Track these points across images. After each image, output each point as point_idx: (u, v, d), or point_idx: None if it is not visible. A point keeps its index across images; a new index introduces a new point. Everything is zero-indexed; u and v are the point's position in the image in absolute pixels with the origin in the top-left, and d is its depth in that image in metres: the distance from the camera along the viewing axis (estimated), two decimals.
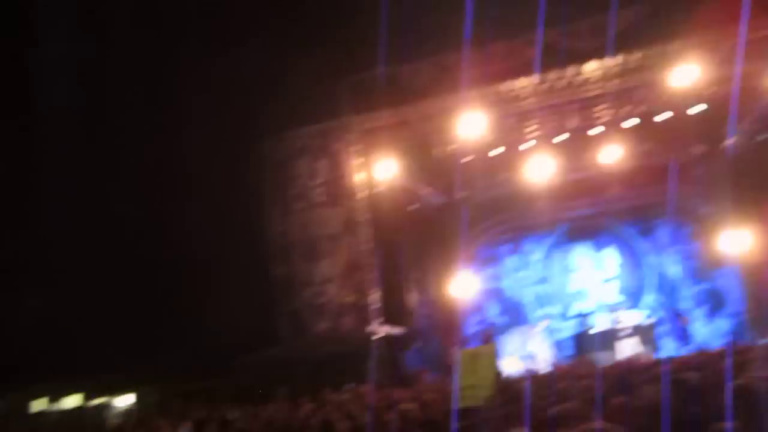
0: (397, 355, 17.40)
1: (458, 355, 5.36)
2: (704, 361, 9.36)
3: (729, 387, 4.44)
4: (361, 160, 16.69)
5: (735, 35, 14.00)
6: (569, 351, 17.93)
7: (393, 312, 17.36)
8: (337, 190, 16.57)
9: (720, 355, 9.55)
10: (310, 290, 16.14)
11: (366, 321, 15.97)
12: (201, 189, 17.42)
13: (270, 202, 16.94)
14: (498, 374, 5.07)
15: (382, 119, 16.33)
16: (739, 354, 8.00)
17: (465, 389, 5.11)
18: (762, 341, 13.09)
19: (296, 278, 16.28)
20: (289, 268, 16.40)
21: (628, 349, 16.22)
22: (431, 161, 17.81)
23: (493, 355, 5.12)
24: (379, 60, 15.95)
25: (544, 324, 18.73)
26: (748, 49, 14.53)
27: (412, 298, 19.62)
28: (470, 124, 15.76)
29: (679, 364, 9.42)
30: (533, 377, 9.68)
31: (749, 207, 17.62)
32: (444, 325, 19.55)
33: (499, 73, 15.35)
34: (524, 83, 15.43)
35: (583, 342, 17.64)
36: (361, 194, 16.59)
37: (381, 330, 16.39)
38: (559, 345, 18.32)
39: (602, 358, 15.76)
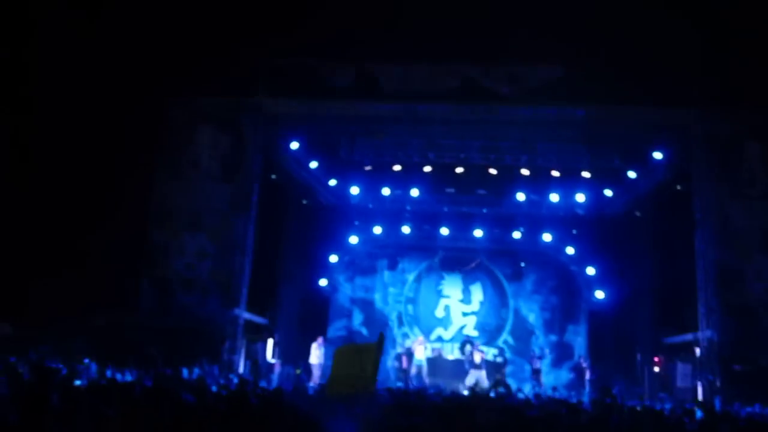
0: (254, 344, 17.22)
1: (338, 349, 5.59)
2: (542, 404, 10.05)
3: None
4: (263, 143, 16.48)
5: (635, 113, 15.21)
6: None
7: (259, 300, 17.19)
8: (233, 168, 16.20)
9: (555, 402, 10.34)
10: (182, 261, 15.61)
11: (231, 303, 15.68)
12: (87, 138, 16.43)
13: (159, 165, 16.28)
14: (377, 369, 5.30)
15: (294, 108, 16.23)
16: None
17: (342, 378, 5.30)
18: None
19: (171, 247, 15.68)
20: (166, 234, 15.79)
21: (475, 380, 16.97)
22: (333, 162, 17.88)
23: (380, 351, 5.34)
24: (300, 48, 16.02)
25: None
26: None
27: (281, 291, 19.53)
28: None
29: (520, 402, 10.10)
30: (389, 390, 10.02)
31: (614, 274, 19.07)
32: (306, 323, 19.59)
33: (417, 94, 15.71)
34: (438, 110, 15.87)
35: (436, 367, 18.21)
36: (255, 177, 16.34)
37: (244, 316, 16.16)
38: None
39: (451, 385, 16.42)
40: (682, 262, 15.99)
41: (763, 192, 15.19)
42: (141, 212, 16.07)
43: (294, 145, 16.78)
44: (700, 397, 14.64)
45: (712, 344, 14.84)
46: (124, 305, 15.16)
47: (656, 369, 17.25)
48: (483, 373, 17.34)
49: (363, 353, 5.38)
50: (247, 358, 16.44)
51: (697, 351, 15.36)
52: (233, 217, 15.94)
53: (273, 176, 17.09)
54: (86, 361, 12.32)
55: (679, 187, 16.17)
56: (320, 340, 17.99)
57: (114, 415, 4.82)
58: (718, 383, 14.45)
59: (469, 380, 16.89)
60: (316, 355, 17.68)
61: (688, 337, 15.88)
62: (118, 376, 11.11)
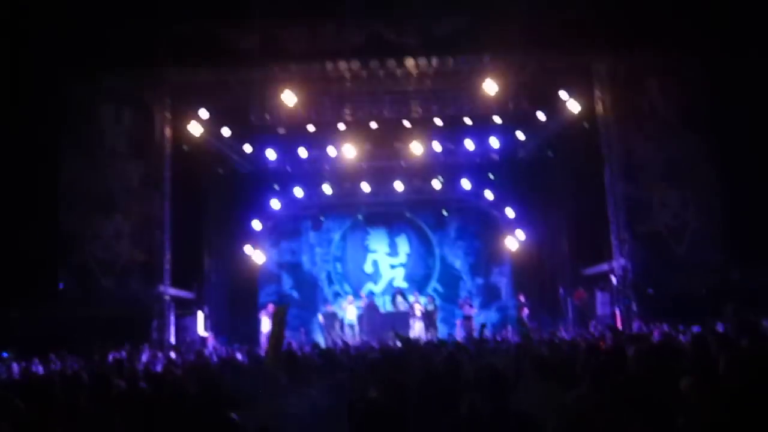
0: (183, 320, 17.01)
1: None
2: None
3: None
4: (171, 115, 15.97)
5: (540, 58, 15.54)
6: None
7: (184, 275, 16.93)
8: (141, 143, 15.68)
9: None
10: (99, 244, 15.13)
11: (155, 281, 15.39)
12: None
13: (66, 146, 15.57)
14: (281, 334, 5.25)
15: (199, 77, 15.74)
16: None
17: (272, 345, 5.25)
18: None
19: (85, 231, 15.14)
20: (78, 219, 15.22)
21: (417, 330, 17.44)
22: (245, 127, 17.54)
23: (279, 319, 5.25)
24: (201, 15, 15.43)
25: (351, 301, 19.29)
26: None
27: (206, 263, 19.26)
28: (289, 97, 15.76)
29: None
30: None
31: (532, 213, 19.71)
32: (236, 292, 19.46)
33: (323, 53, 15.49)
34: (346, 67, 15.70)
35: (372, 321, 18.44)
36: (165, 150, 15.88)
37: (169, 292, 15.91)
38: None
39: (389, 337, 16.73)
40: (594, 197, 16.65)
41: (663, 124, 15.93)
42: (52, 197, 15.42)
43: (203, 114, 16.33)
44: (618, 323, 15.49)
45: (626, 272, 15.66)
46: (43, 296, 14.64)
47: (577, 300, 18.07)
48: (422, 324, 17.84)
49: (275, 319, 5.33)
50: (177, 334, 16.26)
51: (613, 279, 16.17)
52: (147, 193, 15.52)
53: (184, 147, 16.63)
54: (4, 355, 11.90)
55: (586, 125, 16.70)
56: (270, 307, 17.95)
57: (30, 410, 4.66)
58: (634, 308, 15.32)
59: (414, 332, 17.30)
60: (265, 323, 17.56)
61: (604, 267, 16.67)
62: (39, 369, 10.79)
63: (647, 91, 16.06)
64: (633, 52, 15.69)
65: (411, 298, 18.75)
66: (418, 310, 18.22)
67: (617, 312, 15.86)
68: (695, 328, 10.36)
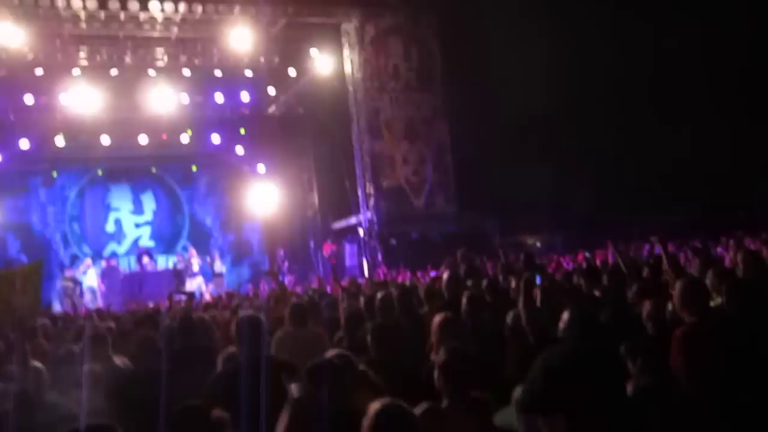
0: None
1: None
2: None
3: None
4: None
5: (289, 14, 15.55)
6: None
7: None
8: None
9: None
10: None
11: None
12: None
13: None
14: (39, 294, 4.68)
15: None
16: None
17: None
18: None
19: None
20: None
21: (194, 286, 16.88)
22: None
23: (40, 274, 4.65)
24: None
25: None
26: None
27: None
28: (12, 35, 13.92)
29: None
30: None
31: (283, 169, 19.88)
32: None
33: None
34: (80, 5, 14.25)
35: (114, 284, 17.37)
36: None
37: None
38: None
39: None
40: (342, 154, 17.33)
41: (405, 85, 17.01)
42: None
43: None
44: (366, 271, 16.47)
45: (372, 224, 16.64)
46: None
47: (326, 253, 18.79)
48: (200, 279, 17.37)
49: (18, 279, 4.74)
50: None
51: (361, 231, 17.09)
52: None
53: None
54: None
55: (335, 84, 17.19)
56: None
57: None
58: (380, 257, 16.39)
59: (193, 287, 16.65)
60: None
61: (352, 220, 17.52)
62: None
63: (391, 53, 16.97)
64: (380, 13, 16.43)
65: (145, 260, 18.15)
66: (196, 265, 17.70)
67: (365, 262, 16.85)
68: (432, 273, 11.41)
